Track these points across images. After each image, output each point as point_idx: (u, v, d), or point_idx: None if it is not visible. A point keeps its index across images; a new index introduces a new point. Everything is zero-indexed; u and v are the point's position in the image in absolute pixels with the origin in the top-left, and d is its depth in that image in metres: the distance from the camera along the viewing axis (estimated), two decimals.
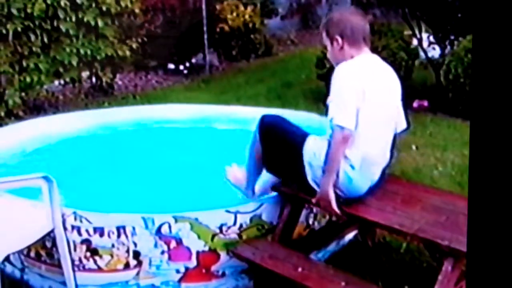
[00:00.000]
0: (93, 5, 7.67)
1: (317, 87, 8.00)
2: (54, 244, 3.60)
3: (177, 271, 3.74)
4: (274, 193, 3.99)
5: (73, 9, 7.46)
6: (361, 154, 3.55)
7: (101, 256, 3.70)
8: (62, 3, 7.28)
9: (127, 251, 3.69)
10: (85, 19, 7.56)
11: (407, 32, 8.26)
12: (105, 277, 3.75)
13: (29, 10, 7.07)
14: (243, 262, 3.76)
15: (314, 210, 4.05)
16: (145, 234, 3.66)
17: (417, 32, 8.18)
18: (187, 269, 3.75)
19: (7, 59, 7.10)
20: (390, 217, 3.55)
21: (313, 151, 3.65)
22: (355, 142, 3.52)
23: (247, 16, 10.41)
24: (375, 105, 3.57)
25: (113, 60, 8.20)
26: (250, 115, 5.85)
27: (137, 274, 3.73)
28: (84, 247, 3.69)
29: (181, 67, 9.91)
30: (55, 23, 7.37)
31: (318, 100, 7.22)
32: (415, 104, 7.55)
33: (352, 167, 3.55)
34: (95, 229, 3.67)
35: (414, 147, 6.26)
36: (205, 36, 9.89)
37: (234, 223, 3.77)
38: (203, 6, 9.87)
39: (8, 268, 3.94)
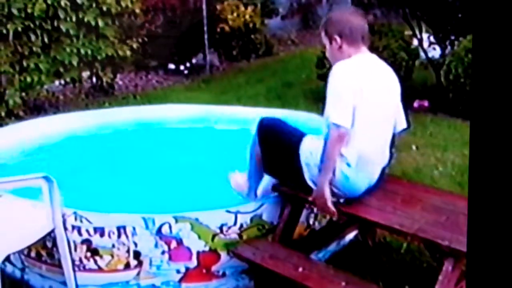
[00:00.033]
0: (94, 5, 7.67)
1: (317, 87, 7.99)
2: (54, 244, 3.60)
3: (178, 271, 3.74)
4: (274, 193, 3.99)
5: (73, 9, 7.46)
6: (357, 152, 3.56)
7: (102, 256, 3.70)
8: (62, 3, 7.28)
9: (128, 251, 3.69)
10: (85, 19, 7.55)
11: (408, 32, 8.26)
12: (106, 277, 3.75)
13: (29, 10, 7.07)
14: (244, 262, 3.76)
15: (315, 210, 4.05)
16: (146, 234, 3.66)
17: (417, 32, 8.18)
18: (187, 269, 3.75)
19: (7, 59, 7.09)
20: (391, 217, 3.55)
21: (310, 150, 3.67)
22: (351, 140, 3.52)
23: (247, 16, 10.41)
24: (372, 104, 3.58)
25: (114, 60, 8.20)
26: (250, 115, 5.86)
27: (138, 274, 3.73)
28: (84, 247, 3.69)
29: (182, 67, 9.91)
30: (55, 23, 7.37)
31: (318, 100, 7.21)
32: (415, 104, 7.55)
33: (348, 165, 3.56)
34: (95, 229, 3.67)
35: (414, 147, 6.26)
36: (206, 36, 9.89)
37: (235, 223, 3.77)
38: (204, 6, 9.87)
39: (9, 268, 3.94)
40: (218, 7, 10.38)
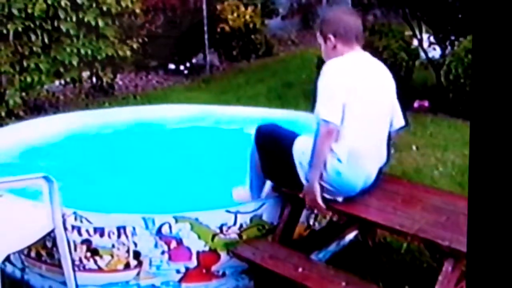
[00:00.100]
0: (94, 5, 7.67)
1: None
2: (54, 244, 3.60)
3: (178, 271, 3.74)
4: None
5: (73, 9, 7.47)
6: (348, 148, 3.57)
7: (102, 256, 3.70)
8: (62, 3, 7.28)
9: (128, 251, 3.69)
10: (85, 19, 7.56)
11: (408, 32, 8.26)
12: (106, 277, 3.75)
13: (29, 10, 7.08)
14: (244, 262, 3.76)
15: (315, 210, 4.05)
16: (146, 234, 3.66)
17: (417, 32, 8.19)
18: (187, 269, 3.75)
19: (7, 59, 7.10)
20: (391, 218, 3.55)
21: (302, 150, 3.69)
22: (342, 136, 3.54)
23: (247, 16, 10.41)
24: (364, 101, 3.60)
25: (114, 60, 8.21)
26: (250, 115, 5.87)
27: (138, 274, 3.73)
28: (84, 247, 3.69)
29: (182, 67, 9.92)
30: (55, 23, 7.37)
31: None
32: (415, 105, 7.55)
33: (339, 160, 3.57)
34: (95, 229, 3.67)
35: (414, 148, 6.26)
36: (206, 36, 9.90)
37: (235, 223, 3.77)
38: (204, 6, 9.88)
39: (9, 268, 3.94)
40: (218, 7, 10.39)
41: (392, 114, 3.80)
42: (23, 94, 7.34)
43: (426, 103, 7.59)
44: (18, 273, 3.96)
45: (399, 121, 3.86)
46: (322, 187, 3.62)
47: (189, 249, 3.72)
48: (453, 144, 6.27)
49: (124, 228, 3.65)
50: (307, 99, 8.00)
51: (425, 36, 8.33)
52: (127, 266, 3.71)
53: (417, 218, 3.49)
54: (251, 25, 10.48)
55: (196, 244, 3.73)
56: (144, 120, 6.00)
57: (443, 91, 7.35)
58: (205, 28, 9.85)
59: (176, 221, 3.67)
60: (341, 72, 3.62)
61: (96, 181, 4.87)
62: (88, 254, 3.70)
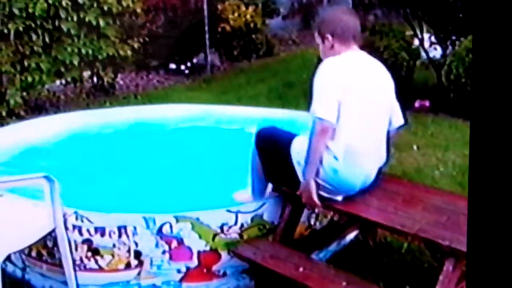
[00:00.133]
0: (95, 4, 7.67)
1: None
2: (55, 243, 3.60)
3: (178, 271, 3.74)
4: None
5: (74, 9, 7.47)
6: (344, 146, 3.58)
7: (102, 256, 3.70)
8: (63, 3, 7.29)
9: (128, 251, 3.69)
10: (86, 19, 7.56)
11: (409, 32, 8.26)
12: (106, 277, 3.75)
13: (30, 10, 7.08)
14: (244, 262, 3.76)
15: (316, 210, 4.05)
16: (146, 234, 3.66)
17: (418, 32, 8.18)
18: (188, 269, 3.75)
19: (8, 58, 7.10)
20: (391, 217, 3.55)
21: (298, 150, 3.71)
22: (338, 134, 3.56)
23: (248, 16, 10.41)
24: (359, 99, 3.61)
25: (115, 60, 8.21)
26: (251, 115, 5.87)
27: (138, 274, 3.73)
28: (85, 247, 3.69)
29: (183, 67, 9.91)
30: (56, 23, 7.38)
31: None
32: (416, 104, 7.55)
33: (336, 158, 3.58)
34: (96, 229, 3.67)
35: (415, 147, 6.26)
36: (207, 36, 9.90)
37: (235, 223, 3.77)
38: (205, 6, 9.87)
39: (10, 267, 3.94)
40: (219, 7, 10.39)
41: (390, 113, 3.81)
42: (24, 93, 7.34)
43: (427, 103, 7.59)
44: (19, 273, 3.96)
45: (399, 120, 3.87)
46: (319, 185, 3.63)
47: (190, 248, 3.72)
48: (454, 144, 6.27)
49: (125, 227, 3.65)
50: (308, 99, 8.01)
51: (426, 36, 8.32)
52: (128, 265, 3.72)
53: (418, 218, 3.49)
54: (252, 25, 10.48)
55: (197, 244, 3.73)
56: (145, 119, 6.00)
57: (444, 91, 7.35)
58: (206, 28, 9.85)
59: (177, 221, 3.67)
60: (336, 70, 3.64)
61: (97, 181, 4.87)
62: (89, 253, 3.70)
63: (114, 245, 3.68)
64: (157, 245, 3.68)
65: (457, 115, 7.01)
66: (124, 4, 7.98)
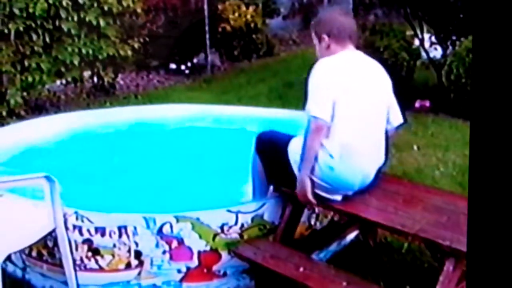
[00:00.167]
0: (95, 4, 7.68)
1: None
2: (55, 243, 3.60)
3: (179, 271, 3.74)
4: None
5: (75, 9, 7.47)
6: (339, 144, 3.60)
7: (103, 256, 3.70)
8: (64, 3, 7.29)
9: (129, 251, 3.69)
10: (87, 19, 7.56)
11: (409, 32, 8.26)
12: (107, 277, 3.75)
13: (31, 10, 7.08)
14: (245, 262, 3.76)
15: (316, 210, 4.06)
16: (147, 234, 3.66)
17: (419, 32, 8.18)
18: (188, 269, 3.75)
19: (9, 58, 7.10)
20: (392, 217, 3.55)
21: (295, 150, 3.73)
22: (333, 132, 3.58)
23: (249, 16, 10.41)
24: (354, 98, 3.64)
25: (115, 60, 8.21)
26: (251, 115, 5.87)
27: (139, 274, 3.73)
28: (85, 247, 3.69)
29: (183, 67, 9.92)
30: (57, 23, 7.38)
31: None
32: (416, 104, 7.55)
33: (331, 156, 3.60)
34: (96, 229, 3.67)
35: (415, 148, 6.26)
36: (207, 36, 9.90)
37: (236, 223, 3.77)
38: (205, 6, 9.88)
39: (10, 267, 3.94)
40: (220, 7, 10.39)
41: (388, 112, 3.82)
42: (24, 93, 7.34)
43: (427, 103, 7.59)
44: (19, 273, 3.96)
45: (397, 119, 3.89)
46: (317, 184, 3.65)
47: (190, 248, 3.72)
48: (454, 144, 6.27)
49: (125, 227, 3.65)
50: None
51: (426, 36, 8.32)
52: (128, 265, 3.72)
53: (418, 218, 3.49)
54: (252, 25, 10.48)
55: (197, 244, 3.73)
56: (145, 119, 6.00)
57: (444, 91, 7.35)
58: (206, 28, 9.85)
59: (177, 221, 3.67)
60: (331, 69, 3.68)
61: (97, 181, 4.87)
62: (89, 253, 3.70)
63: (114, 245, 3.68)
64: (157, 245, 3.68)
65: (457, 115, 7.01)
66: (125, 4, 7.98)
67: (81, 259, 3.71)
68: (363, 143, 3.67)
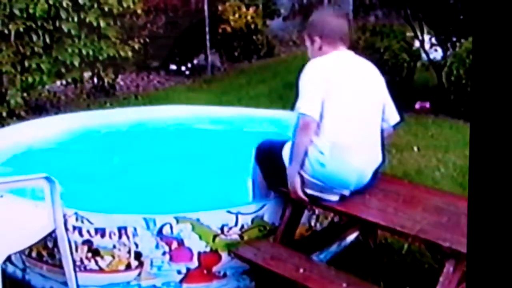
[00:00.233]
0: (95, 5, 7.67)
1: None
2: (55, 244, 3.60)
3: (179, 272, 3.74)
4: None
5: (75, 10, 7.47)
6: (329, 141, 3.62)
7: (103, 257, 3.70)
8: (64, 4, 7.29)
9: (129, 252, 3.69)
10: (87, 20, 7.56)
11: (409, 33, 8.26)
12: (107, 278, 3.75)
13: (31, 11, 7.08)
14: (245, 263, 3.76)
15: (316, 211, 4.06)
16: (147, 235, 3.66)
17: (419, 33, 8.18)
18: (188, 270, 3.75)
19: (9, 59, 7.10)
20: (392, 218, 3.55)
21: (287, 152, 3.76)
22: (322, 131, 3.61)
23: (249, 17, 10.42)
24: (344, 97, 3.68)
25: (115, 61, 8.21)
26: (252, 116, 5.87)
27: (139, 275, 3.73)
28: (85, 247, 3.69)
29: (183, 67, 9.92)
30: (57, 24, 7.37)
31: None
32: (417, 106, 7.55)
33: (321, 153, 3.62)
34: (96, 230, 3.67)
35: (416, 149, 6.26)
36: (207, 37, 9.90)
37: (236, 224, 3.77)
38: (205, 7, 9.88)
39: (10, 268, 3.94)
40: (220, 7, 10.39)
41: (383, 110, 3.84)
42: (25, 94, 7.34)
43: (427, 104, 7.59)
44: (19, 274, 3.96)
45: (394, 117, 3.91)
46: (310, 182, 3.67)
47: (190, 249, 3.72)
48: (454, 145, 6.27)
49: (125, 228, 3.65)
50: None
51: (426, 37, 8.32)
52: (128, 266, 3.71)
53: (418, 219, 3.49)
54: (252, 26, 10.49)
55: (197, 245, 3.73)
56: (145, 120, 6.01)
57: (445, 92, 7.35)
58: (207, 29, 9.85)
59: (177, 222, 3.67)
60: (320, 69, 3.73)
61: (97, 182, 4.87)
62: (89, 254, 3.70)
63: (114, 246, 3.68)
64: (157, 246, 3.68)
65: (457, 116, 7.01)
66: (125, 5, 7.97)
67: (81, 260, 3.70)
68: (355, 140, 3.69)
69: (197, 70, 10.03)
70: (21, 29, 7.11)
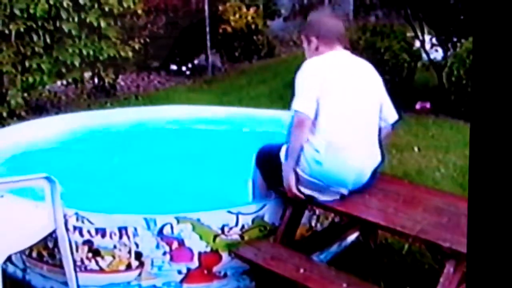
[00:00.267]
0: (96, 5, 7.67)
1: None
2: (56, 244, 3.60)
3: (179, 272, 3.74)
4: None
5: (75, 10, 7.47)
6: (325, 139, 3.64)
7: (103, 257, 3.70)
8: (64, 4, 7.29)
9: (129, 252, 3.69)
10: (87, 20, 7.56)
11: (410, 33, 8.26)
12: (107, 278, 3.75)
13: (31, 11, 7.08)
14: (245, 263, 3.76)
15: (317, 211, 4.06)
16: (147, 235, 3.66)
17: (419, 33, 8.18)
18: (189, 270, 3.75)
19: (9, 59, 7.10)
20: (392, 219, 3.55)
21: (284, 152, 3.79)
22: (318, 129, 3.64)
23: (249, 17, 10.41)
24: (339, 95, 3.71)
25: (116, 61, 8.21)
26: (252, 116, 5.87)
27: (139, 275, 3.73)
28: (86, 248, 3.69)
29: (184, 68, 9.92)
30: (57, 24, 7.38)
31: None
32: (417, 106, 7.55)
33: (317, 151, 3.64)
34: (97, 230, 3.67)
35: (416, 149, 6.26)
36: (208, 37, 9.90)
37: (236, 224, 3.77)
38: (206, 7, 9.88)
39: (10, 268, 3.94)
40: (220, 8, 10.39)
41: (380, 109, 3.85)
42: (25, 94, 7.34)
43: (427, 105, 7.59)
44: (19, 274, 3.96)
45: (392, 116, 3.92)
46: (308, 181, 3.68)
47: (190, 249, 3.72)
48: (454, 146, 6.27)
49: (126, 228, 3.65)
50: None
51: (427, 37, 8.32)
52: (128, 266, 3.72)
53: (419, 219, 3.49)
54: (253, 26, 10.49)
55: (198, 245, 3.73)
56: (146, 120, 6.01)
57: (445, 92, 7.35)
58: (207, 29, 9.85)
59: (178, 222, 3.67)
60: (316, 68, 3.77)
61: (98, 182, 4.87)
62: (90, 254, 3.70)
63: (115, 246, 3.68)
64: (157, 246, 3.68)
65: (458, 117, 7.01)
66: (125, 5, 7.97)
67: (82, 260, 3.70)
68: (351, 139, 3.70)
69: (197, 70, 10.03)
70: (22, 29, 7.11)
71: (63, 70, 7.69)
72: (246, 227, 3.80)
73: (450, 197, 3.93)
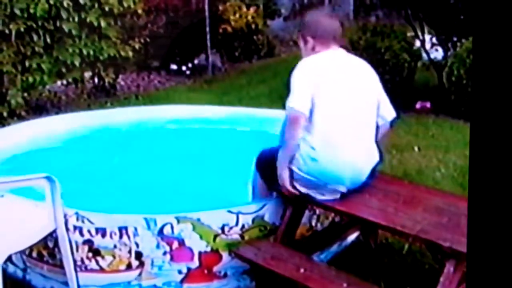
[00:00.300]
0: (96, 5, 7.67)
1: None
2: (56, 244, 3.60)
3: (179, 272, 3.74)
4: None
5: (75, 10, 7.47)
6: (320, 137, 3.66)
7: (103, 256, 3.70)
8: (64, 4, 7.29)
9: (129, 252, 3.69)
10: (87, 20, 7.56)
11: (410, 33, 8.26)
12: (107, 278, 3.75)
13: (31, 11, 7.08)
14: (245, 262, 3.76)
15: (317, 211, 4.06)
16: (147, 234, 3.66)
17: (419, 33, 8.18)
18: (189, 269, 3.75)
19: (9, 59, 7.10)
20: (392, 218, 3.55)
21: None
22: (313, 127, 3.66)
23: (249, 17, 10.42)
24: (334, 93, 3.72)
25: (116, 61, 8.21)
26: (252, 116, 5.87)
27: (139, 274, 3.73)
28: (86, 247, 3.69)
29: (184, 67, 9.92)
30: (57, 24, 7.38)
31: None
32: (417, 106, 7.55)
33: (313, 148, 3.66)
34: (97, 230, 3.67)
35: (416, 149, 6.26)
36: (208, 37, 9.90)
37: (236, 224, 3.77)
38: (206, 7, 9.88)
39: (10, 268, 3.94)
40: (220, 7, 10.39)
41: (377, 107, 3.86)
42: (25, 94, 7.34)
43: (428, 104, 7.59)
44: (19, 273, 3.96)
45: (389, 113, 3.94)
46: (304, 179, 3.69)
47: (191, 249, 3.72)
48: (454, 145, 6.27)
49: (126, 228, 3.65)
50: None
51: (427, 37, 8.33)
52: (129, 266, 3.72)
53: (419, 219, 3.49)
54: (253, 26, 10.49)
55: (198, 245, 3.73)
56: (146, 120, 6.00)
57: (445, 92, 7.35)
58: (207, 29, 9.85)
59: (178, 222, 3.67)
60: (311, 66, 3.79)
61: (98, 181, 4.87)
62: (90, 254, 3.70)
63: (115, 246, 3.68)
64: (158, 246, 3.68)
65: (458, 117, 7.01)
66: (125, 4, 7.97)
67: (82, 260, 3.71)
68: (346, 137, 3.71)
69: (197, 70, 10.03)
70: (22, 29, 7.11)
71: (63, 70, 7.69)
72: (246, 226, 3.80)
73: (450, 197, 3.93)
